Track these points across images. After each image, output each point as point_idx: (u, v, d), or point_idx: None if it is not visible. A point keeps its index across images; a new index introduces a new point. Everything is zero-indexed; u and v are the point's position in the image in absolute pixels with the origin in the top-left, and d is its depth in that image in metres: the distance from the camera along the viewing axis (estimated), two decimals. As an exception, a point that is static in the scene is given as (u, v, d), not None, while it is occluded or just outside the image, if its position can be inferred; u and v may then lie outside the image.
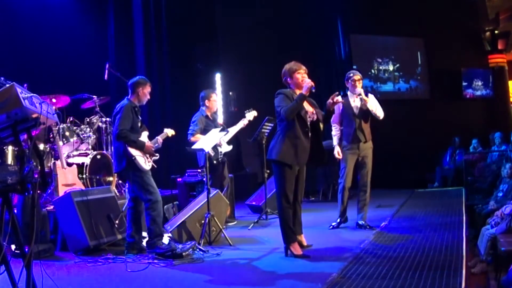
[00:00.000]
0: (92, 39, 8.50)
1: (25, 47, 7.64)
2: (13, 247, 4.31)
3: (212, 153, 6.18)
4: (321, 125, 4.75)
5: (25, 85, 5.06)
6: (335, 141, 5.87)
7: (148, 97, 5.10)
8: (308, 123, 4.58)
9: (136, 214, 4.98)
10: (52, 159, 6.04)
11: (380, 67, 12.53)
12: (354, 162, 5.83)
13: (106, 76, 7.03)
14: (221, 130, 6.08)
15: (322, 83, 9.78)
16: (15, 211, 4.25)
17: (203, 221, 5.31)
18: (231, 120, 8.53)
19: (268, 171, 6.61)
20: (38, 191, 3.54)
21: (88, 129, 6.65)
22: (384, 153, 7.27)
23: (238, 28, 10.35)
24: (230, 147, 6.59)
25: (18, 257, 3.11)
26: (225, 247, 5.05)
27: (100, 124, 6.87)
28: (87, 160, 6.38)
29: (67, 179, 5.92)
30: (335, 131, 5.87)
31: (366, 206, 5.84)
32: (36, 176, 3.08)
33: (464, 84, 13.04)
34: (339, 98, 4.61)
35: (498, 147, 10.48)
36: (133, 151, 4.80)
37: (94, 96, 6.92)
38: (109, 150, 6.81)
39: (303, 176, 4.75)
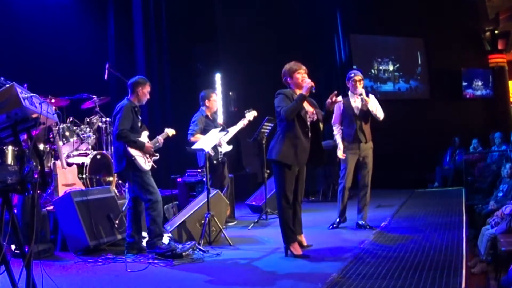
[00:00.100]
0: (92, 39, 8.50)
1: (25, 47, 7.64)
2: (13, 247, 4.31)
3: (212, 153, 6.18)
4: (321, 125, 4.75)
5: (25, 85, 5.06)
6: (338, 139, 5.84)
7: (148, 97, 5.10)
8: (308, 123, 4.58)
9: (136, 214, 4.98)
10: (52, 159, 6.04)
11: (380, 67, 12.54)
12: (354, 162, 5.83)
13: (106, 76, 7.03)
14: (221, 130, 6.08)
15: (322, 83, 9.80)
16: (15, 211, 4.25)
17: (203, 221, 5.31)
18: (231, 120, 8.53)
19: (268, 171, 6.61)
20: (38, 191, 3.53)
21: (88, 129, 6.64)
22: (384, 153, 7.27)
23: (238, 28, 10.35)
24: (230, 147, 6.59)
25: (18, 257, 3.12)
26: (225, 247, 5.05)
27: (100, 124, 6.87)
28: (87, 160, 6.38)
29: (67, 179, 5.92)
30: (337, 130, 5.86)
31: (366, 206, 5.84)
32: (36, 176, 3.08)
33: (464, 84, 13.05)
34: (339, 98, 4.61)
35: (498, 147, 10.49)
36: (133, 151, 4.80)
37: (94, 96, 6.92)
38: (109, 150, 6.81)
39: (303, 176, 4.75)
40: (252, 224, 6.30)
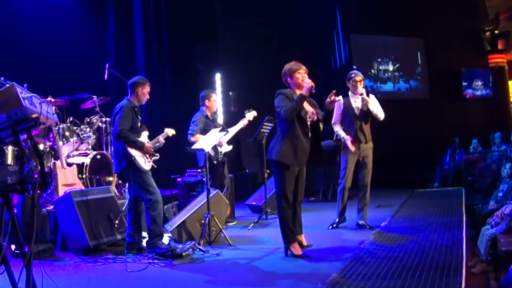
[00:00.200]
0: (92, 39, 8.50)
1: (25, 47, 7.64)
2: (13, 247, 4.31)
3: (212, 153, 6.18)
4: (321, 126, 4.75)
5: (25, 85, 5.06)
6: (341, 133, 5.77)
7: (148, 97, 5.10)
8: (308, 124, 4.58)
9: (136, 214, 4.98)
10: (52, 159, 6.04)
11: (380, 67, 12.54)
12: (354, 162, 5.83)
13: (106, 76, 7.03)
14: (221, 130, 6.09)
15: (322, 83, 9.79)
16: (15, 211, 4.25)
17: (203, 221, 5.31)
18: (231, 120, 8.52)
19: (268, 171, 6.61)
20: (38, 191, 3.53)
21: (88, 129, 6.64)
22: (384, 153, 7.26)
23: (238, 28, 10.35)
24: (230, 147, 6.59)
25: (18, 257, 3.11)
26: (225, 247, 5.05)
27: (100, 124, 6.87)
28: (87, 160, 6.38)
29: (67, 179, 5.92)
30: (338, 127, 5.84)
31: (366, 206, 5.84)
32: (36, 176, 3.08)
33: (464, 84, 13.06)
34: (338, 97, 4.61)
35: (498, 147, 10.49)
36: (133, 151, 4.80)
37: (94, 96, 6.92)
38: (109, 150, 6.81)
39: (303, 176, 4.75)
40: (252, 224, 6.30)
